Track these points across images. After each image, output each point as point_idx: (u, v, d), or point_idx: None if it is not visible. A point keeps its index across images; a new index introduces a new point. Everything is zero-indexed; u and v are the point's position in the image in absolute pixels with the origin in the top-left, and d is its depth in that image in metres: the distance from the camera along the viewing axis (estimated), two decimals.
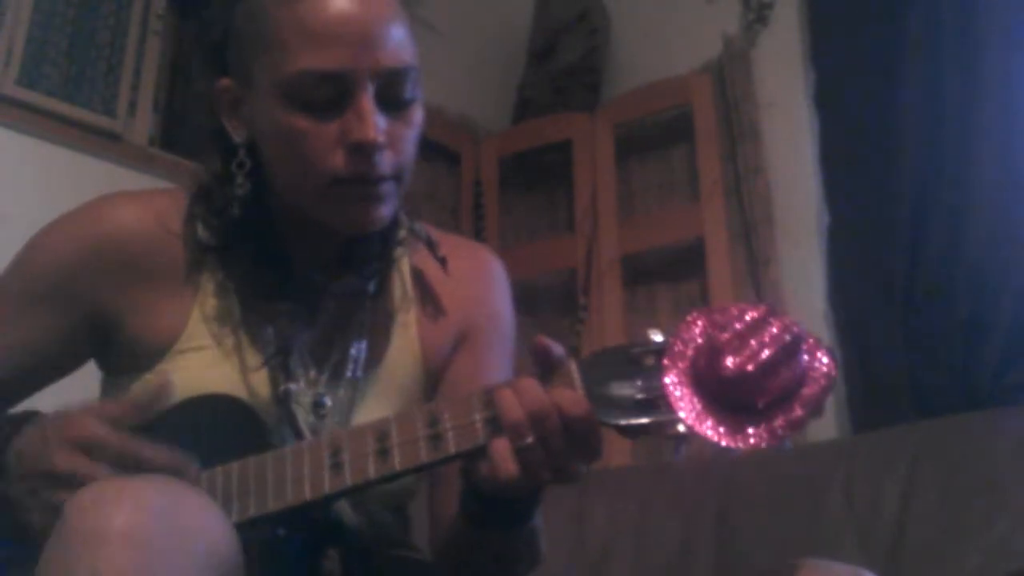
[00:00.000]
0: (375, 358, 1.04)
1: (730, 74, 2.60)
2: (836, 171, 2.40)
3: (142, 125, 2.21)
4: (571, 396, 0.80)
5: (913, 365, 2.12)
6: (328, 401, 0.99)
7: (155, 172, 2.13)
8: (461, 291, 1.09)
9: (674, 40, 2.79)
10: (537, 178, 2.93)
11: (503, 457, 0.80)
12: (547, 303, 2.78)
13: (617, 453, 2.42)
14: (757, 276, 2.41)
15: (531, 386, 0.81)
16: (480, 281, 1.12)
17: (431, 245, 1.06)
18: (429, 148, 2.80)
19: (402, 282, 1.08)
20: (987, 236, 2.09)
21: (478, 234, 2.84)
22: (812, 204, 2.42)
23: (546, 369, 0.83)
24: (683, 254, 2.57)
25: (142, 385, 0.98)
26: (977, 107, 2.16)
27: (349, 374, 1.01)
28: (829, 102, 2.44)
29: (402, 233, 1.06)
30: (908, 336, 2.15)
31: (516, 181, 2.94)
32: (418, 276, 1.09)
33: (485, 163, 2.92)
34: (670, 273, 2.61)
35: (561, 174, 2.82)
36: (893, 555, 1.60)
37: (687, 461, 2.33)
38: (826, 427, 2.26)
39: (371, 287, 1.04)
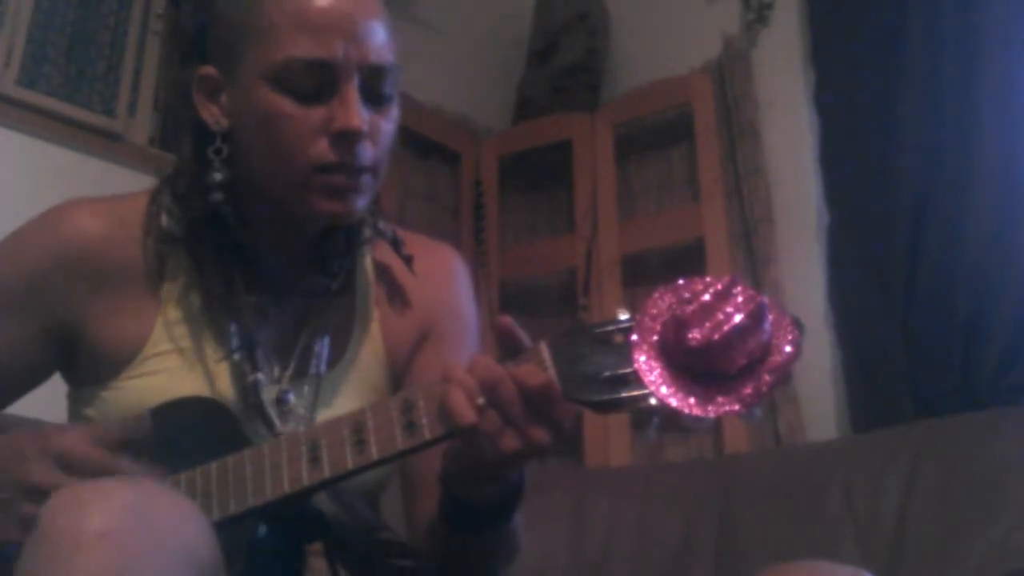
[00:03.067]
0: (339, 354, 1.04)
1: (730, 74, 2.60)
2: (836, 171, 2.39)
3: (142, 125, 2.21)
4: (528, 368, 0.81)
5: (913, 365, 2.12)
6: (292, 397, 1.00)
7: (155, 172, 2.13)
8: (424, 289, 1.10)
9: (674, 40, 2.79)
10: (537, 178, 2.93)
11: (460, 403, 0.80)
12: (547, 303, 2.78)
13: (617, 453, 2.42)
14: (757, 276, 2.41)
15: (480, 359, 0.82)
16: (443, 279, 1.13)
17: (396, 244, 1.07)
18: (429, 148, 2.80)
19: (365, 278, 1.09)
20: (987, 236, 2.09)
21: (478, 234, 2.84)
22: (812, 204, 2.42)
23: (509, 350, 0.84)
24: (683, 254, 2.57)
25: (112, 394, 0.97)
26: (977, 107, 2.16)
27: (313, 371, 1.02)
28: (829, 102, 2.44)
29: (367, 231, 1.07)
30: (908, 336, 2.14)
31: (516, 181, 2.94)
32: (381, 272, 1.10)
33: (485, 163, 2.92)
34: (670, 273, 2.59)
35: (561, 174, 2.82)
36: (893, 555, 1.60)
37: (687, 462, 2.34)
38: (826, 427, 2.26)
39: (334, 284, 1.04)
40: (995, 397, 1.99)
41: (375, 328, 1.07)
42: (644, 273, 2.64)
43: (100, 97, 2.15)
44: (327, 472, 0.84)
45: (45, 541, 0.69)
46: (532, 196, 2.94)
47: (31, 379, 1.02)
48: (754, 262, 2.43)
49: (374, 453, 0.83)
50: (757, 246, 2.44)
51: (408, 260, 1.07)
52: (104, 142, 2.13)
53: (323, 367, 1.02)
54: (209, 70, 0.98)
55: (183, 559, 0.70)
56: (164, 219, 0.99)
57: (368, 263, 1.10)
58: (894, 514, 1.64)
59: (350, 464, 0.84)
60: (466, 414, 0.80)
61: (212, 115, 0.97)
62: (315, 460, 0.84)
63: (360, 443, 0.83)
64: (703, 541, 1.81)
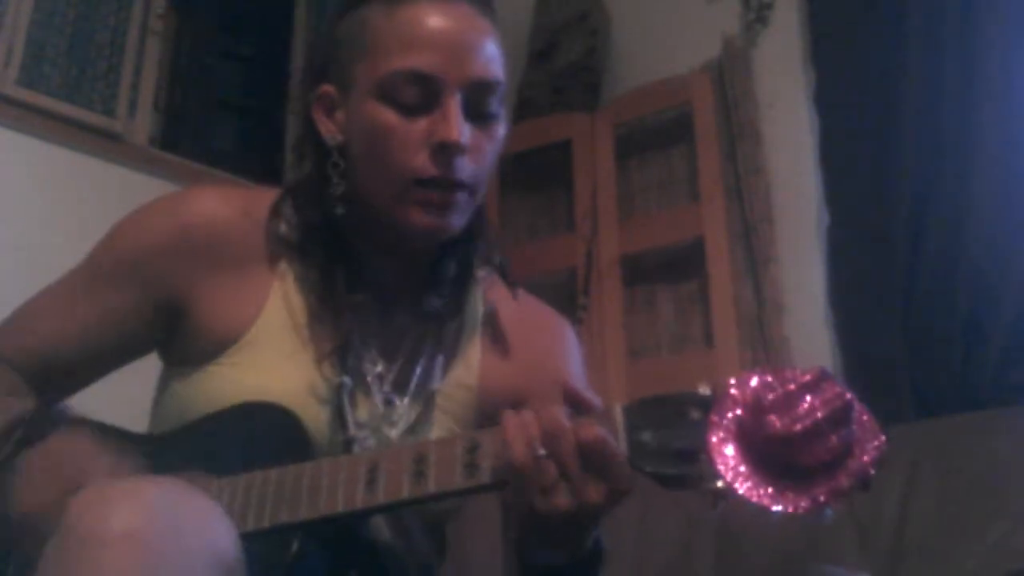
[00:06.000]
0: (435, 377, 1.04)
1: (730, 74, 2.60)
2: (836, 171, 2.39)
3: (142, 125, 2.22)
4: (587, 422, 0.79)
5: (913, 365, 2.12)
6: (397, 401, 1.00)
7: (155, 172, 2.13)
8: (531, 351, 1.10)
9: (674, 40, 2.79)
10: (537, 178, 2.93)
11: (515, 438, 0.79)
12: (547, 303, 2.78)
13: None
14: (757, 276, 2.41)
15: (551, 408, 0.81)
16: (553, 349, 1.12)
17: (504, 270, 1.08)
18: None
19: (474, 316, 1.09)
20: (987, 236, 2.09)
21: None
22: (812, 204, 2.42)
23: (576, 410, 0.83)
24: (683, 254, 2.57)
25: (205, 376, 0.99)
26: (977, 107, 2.16)
27: (414, 385, 1.02)
28: (829, 102, 2.44)
29: (479, 260, 1.07)
30: (908, 336, 2.14)
31: (516, 181, 2.93)
32: (492, 318, 1.10)
33: None
34: (670, 273, 2.61)
35: (561, 174, 2.82)
36: (893, 555, 1.60)
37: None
38: None
39: (439, 306, 1.04)
40: (995, 397, 1.99)
41: (474, 366, 1.07)
42: (644, 273, 2.64)
43: (100, 97, 2.15)
44: (381, 498, 0.84)
45: (70, 538, 0.69)
46: (532, 196, 2.93)
47: (131, 351, 1.05)
48: (754, 262, 2.43)
49: (431, 486, 0.83)
50: (757, 246, 2.44)
51: (514, 287, 1.08)
52: (104, 142, 2.13)
53: (420, 386, 1.02)
54: (327, 88, 1.01)
55: (207, 560, 0.71)
56: (283, 227, 1.03)
57: (479, 302, 1.10)
58: (894, 514, 1.64)
59: (405, 493, 0.83)
60: (520, 452, 0.79)
61: (329, 130, 1.00)
62: (372, 483, 0.84)
63: (419, 474, 0.83)
64: (703, 541, 1.81)
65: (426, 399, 1.02)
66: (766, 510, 0.73)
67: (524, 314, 1.11)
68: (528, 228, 2.91)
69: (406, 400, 1.01)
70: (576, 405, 0.83)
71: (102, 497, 0.71)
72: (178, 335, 1.02)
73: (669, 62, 2.72)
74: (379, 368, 1.02)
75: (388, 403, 1.00)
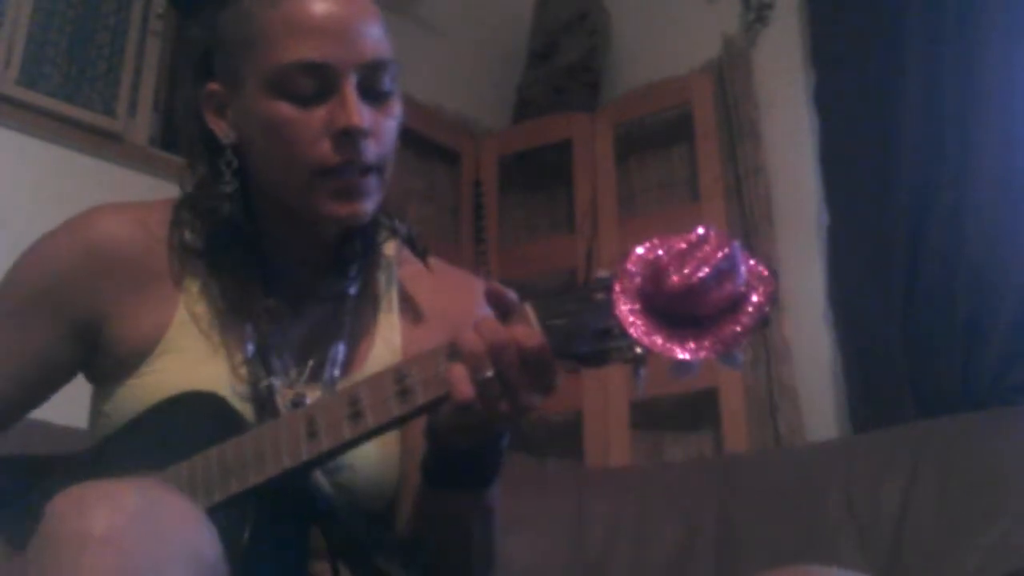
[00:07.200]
0: (357, 362, 1.04)
1: (730, 74, 2.60)
2: (836, 171, 2.39)
3: (142, 125, 2.21)
4: (526, 329, 0.82)
5: (913, 365, 2.12)
6: (308, 401, 0.99)
7: (155, 172, 2.13)
8: (451, 315, 1.10)
9: (674, 40, 2.79)
10: (537, 178, 2.93)
11: (460, 378, 0.81)
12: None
13: (617, 453, 2.42)
14: None
15: (490, 321, 0.83)
16: (468, 305, 1.11)
17: (411, 241, 1.07)
18: (428, 148, 2.80)
19: (389, 292, 1.09)
20: (987, 236, 2.09)
21: (478, 234, 2.84)
22: (812, 204, 2.42)
23: (502, 313, 0.85)
24: None
25: (127, 391, 0.99)
26: (977, 107, 2.16)
27: (327, 375, 1.02)
28: (829, 102, 2.44)
29: (383, 233, 1.07)
30: (908, 336, 2.14)
31: (516, 181, 2.94)
32: (408, 292, 1.10)
33: (485, 163, 2.91)
34: None
35: (561, 174, 2.82)
36: (893, 555, 1.60)
37: (687, 462, 2.33)
38: (826, 427, 2.26)
39: (352, 289, 1.05)
40: (995, 397, 1.99)
41: (395, 341, 1.07)
42: None
43: (100, 97, 2.14)
44: (325, 445, 0.86)
45: (48, 544, 0.69)
46: (532, 196, 2.93)
47: (58, 378, 1.04)
48: None
49: (370, 422, 0.85)
50: (757, 246, 2.44)
51: (424, 255, 1.07)
52: (104, 142, 2.13)
53: (336, 373, 1.02)
54: (215, 86, 1.00)
55: (187, 562, 0.71)
56: (186, 234, 1.02)
57: (392, 277, 1.10)
58: (894, 514, 1.65)
59: (347, 434, 0.85)
60: (466, 390, 0.81)
61: (221, 129, 1.00)
62: (313, 435, 0.86)
63: (356, 415, 0.85)
64: (703, 541, 1.81)
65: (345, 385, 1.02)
66: (686, 364, 0.78)
67: (438, 283, 1.11)
68: (528, 228, 2.91)
69: (318, 393, 1.01)
70: (500, 305, 0.85)
71: (80, 499, 0.70)
72: (97, 355, 1.02)
73: (669, 62, 2.72)
74: (292, 368, 1.01)
75: (298, 404, 0.99)
